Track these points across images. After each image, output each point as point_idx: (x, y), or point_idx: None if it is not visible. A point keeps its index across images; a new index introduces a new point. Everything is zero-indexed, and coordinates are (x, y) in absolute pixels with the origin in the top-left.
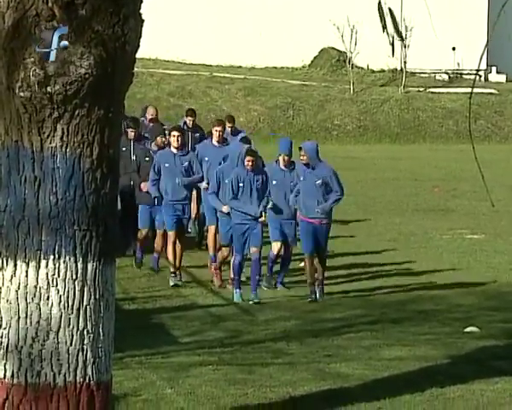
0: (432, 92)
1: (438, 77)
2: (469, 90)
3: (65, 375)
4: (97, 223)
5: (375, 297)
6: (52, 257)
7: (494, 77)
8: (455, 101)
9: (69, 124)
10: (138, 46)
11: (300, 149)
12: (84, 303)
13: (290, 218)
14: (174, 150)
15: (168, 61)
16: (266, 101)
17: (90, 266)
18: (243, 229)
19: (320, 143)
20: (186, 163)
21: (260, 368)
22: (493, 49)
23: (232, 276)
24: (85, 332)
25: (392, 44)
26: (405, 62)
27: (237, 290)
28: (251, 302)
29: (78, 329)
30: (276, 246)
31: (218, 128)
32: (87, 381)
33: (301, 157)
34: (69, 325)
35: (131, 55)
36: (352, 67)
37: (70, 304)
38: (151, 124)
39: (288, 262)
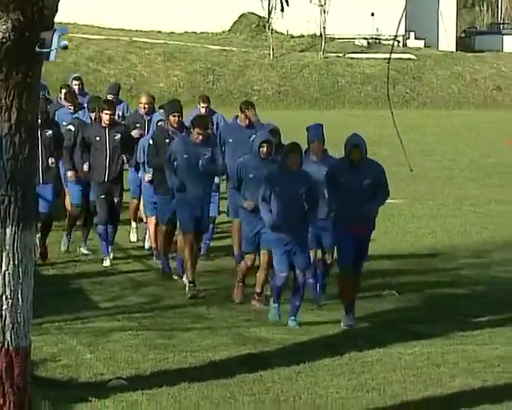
0: (351, 58)
1: (357, 42)
2: (388, 55)
3: None
4: (16, 188)
5: None
6: None
7: (412, 42)
8: (374, 66)
9: None
10: (56, 10)
11: (357, 145)
12: (3, 269)
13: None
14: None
15: (87, 26)
16: (186, 66)
17: (8, 231)
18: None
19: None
20: (208, 154)
21: (181, 333)
22: (411, 15)
23: (258, 290)
24: (4, 298)
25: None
26: (324, 28)
27: (275, 306)
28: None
29: None
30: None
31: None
32: (6, 346)
33: (355, 156)
34: None
35: (49, 19)
36: (272, 33)
37: None
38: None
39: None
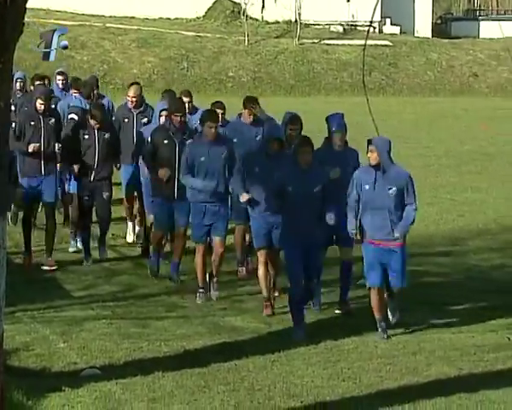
0: (326, 44)
1: (332, 29)
2: (364, 42)
3: None
4: None
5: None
6: None
7: (388, 29)
8: (349, 53)
9: None
10: None
11: (369, 142)
12: None
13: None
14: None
15: (60, 12)
16: (160, 52)
17: None
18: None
19: (214, 96)
20: (225, 153)
21: (155, 322)
22: (387, 1)
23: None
24: None
25: None
26: (300, 14)
27: (298, 331)
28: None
29: None
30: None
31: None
32: None
33: (369, 156)
34: None
35: (22, 4)
36: (247, 19)
37: None
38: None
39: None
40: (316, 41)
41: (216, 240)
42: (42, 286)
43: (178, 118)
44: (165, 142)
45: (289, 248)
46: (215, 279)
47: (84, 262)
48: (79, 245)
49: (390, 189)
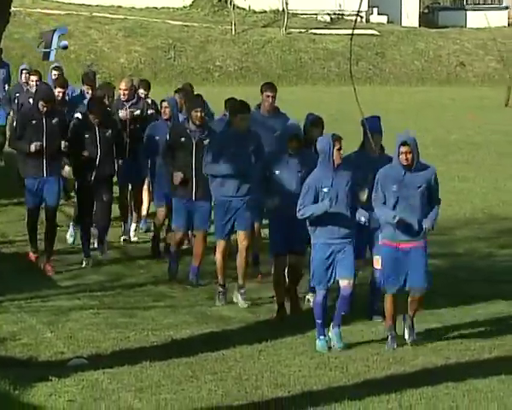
0: (314, 33)
1: (319, 18)
2: (351, 31)
3: None
4: None
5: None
6: None
7: (375, 18)
8: (336, 42)
9: None
10: None
11: (404, 143)
12: None
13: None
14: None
15: (47, 1)
16: (147, 42)
17: None
18: (327, 252)
19: (201, 85)
20: (252, 147)
21: (142, 312)
22: None
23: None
24: None
25: None
26: (287, 3)
27: (321, 338)
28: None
29: None
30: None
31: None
32: None
33: (403, 156)
34: None
35: None
36: (234, 8)
37: None
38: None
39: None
40: (303, 30)
41: (240, 234)
42: (29, 275)
43: (198, 113)
44: (182, 140)
45: (319, 256)
46: (243, 290)
47: (83, 263)
48: (78, 240)
49: (419, 187)
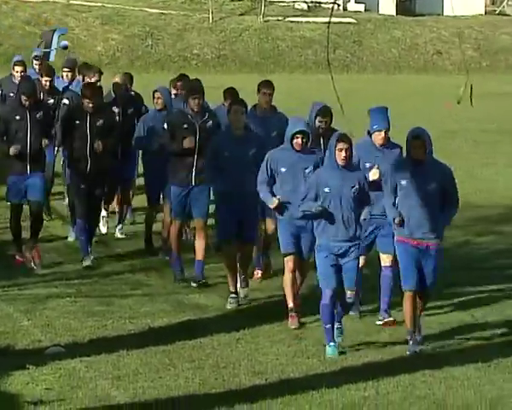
0: (291, 21)
1: (297, 6)
2: (328, 19)
3: None
4: None
5: None
6: None
7: (353, 6)
8: (314, 30)
9: None
10: None
11: (417, 138)
12: None
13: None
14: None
15: None
16: (124, 30)
17: None
18: (330, 253)
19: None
20: (254, 150)
21: (119, 300)
22: None
23: (291, 305)
24: None
25: None
26: None
27: (331, 344)
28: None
29: None
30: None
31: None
32: None
33: (415, 151)
34: None
35: None
36: None
37: None
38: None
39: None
40: (280, 18)
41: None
42: (6, 264)
43: (196, 100)
44: (185, 126)
45: (323, 255)
46: (242, 276)
47: (82, 262)
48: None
49: (431, 185)
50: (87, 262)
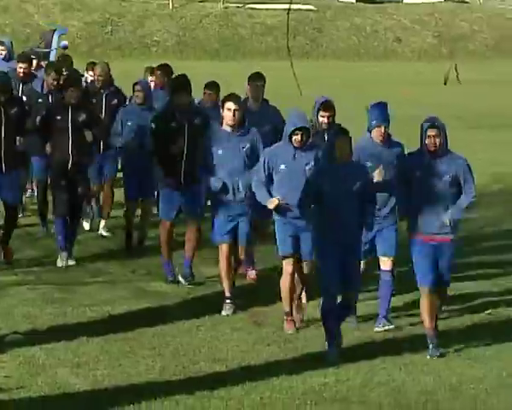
0: (251, 8)
1: None
2: (288, 6)
3: None
4: None
5: None
6: None
7: None
8: (274, 17)
9: None
10: None
11: (432, 126)
12: None
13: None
14: (229, 129)
15: None
16: (84, 16)
17: None
18: (330, 253)
19: (139, 61)
20: (247, 145)
21: (79, 287)
22: None
23: (287, 309)
24: None
25: None
26: None
27: (331, 351)
28: None
29: None
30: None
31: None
32: None
33: (430, 140)
34: None
35: None
36: None
37: None
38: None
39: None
40: (240, 5)
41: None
42: None
43: (183, 97)
44: (173, 124)
45: (324, 258)
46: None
47: (58, 261)
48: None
49: (445, 177)
50: (60, 263)
